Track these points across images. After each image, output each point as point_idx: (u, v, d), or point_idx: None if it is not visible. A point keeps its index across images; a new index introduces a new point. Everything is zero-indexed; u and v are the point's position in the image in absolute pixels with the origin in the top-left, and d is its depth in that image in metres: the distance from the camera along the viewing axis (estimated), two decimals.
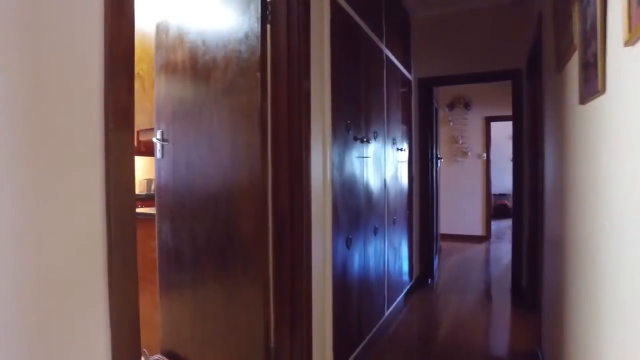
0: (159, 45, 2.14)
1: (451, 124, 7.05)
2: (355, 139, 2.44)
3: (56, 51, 0.83)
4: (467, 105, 6.97)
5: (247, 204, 1.82)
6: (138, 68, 2.55)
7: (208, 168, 1.94)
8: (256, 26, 1.75)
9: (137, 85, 2.58)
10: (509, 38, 3.69)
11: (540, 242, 2.58)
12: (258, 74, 1.74)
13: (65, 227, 0.84)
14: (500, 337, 3.05)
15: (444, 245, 6.18)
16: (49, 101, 0.82)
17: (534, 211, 3.21)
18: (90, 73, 0.88)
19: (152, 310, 2.25)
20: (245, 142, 1.79)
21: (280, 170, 1.83)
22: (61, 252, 0.84)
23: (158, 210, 2.17)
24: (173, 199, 2.10)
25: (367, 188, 2.66)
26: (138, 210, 2.77)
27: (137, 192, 4.39)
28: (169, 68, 2.09)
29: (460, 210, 6.87)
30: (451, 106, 7.01)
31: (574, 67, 1.40)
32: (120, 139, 0.90)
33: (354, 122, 2.43)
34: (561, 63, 1.65)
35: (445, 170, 6.78)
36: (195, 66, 1.97)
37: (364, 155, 2.60)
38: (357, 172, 2.50)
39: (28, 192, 0.78)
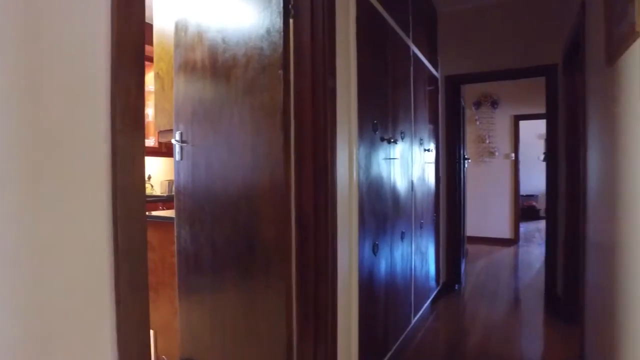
0: (177, 44, 2.08)
1: (478, 123, 6.83)
2: (382, 139, 2.32)
3: (57, 45, 0.74)
4: (494, 104, 6.74)
5: (268, 208, 1.73)
6: (157, 68, 2.49)
7: (228, 170, 1.86)
8: (278, 21, 1.66)
9: (157, 85, 2.53)
10: (543, 32, 3.49)
11: (582, 246, 2.39)
12: (280, 72, 1.65)
13: (66, 240, 0.75)
14: (535, 349, 2.86)
15: (471, 248, 5.97)
16: (48, 101, 0.73)
17: (573, 213, 3.01)
18: (95, 68, 0.79)
19: (172, 316, 2.20)
20: (267, 142, 1.70)
21: (303, 173, 1.73)
22: (62, 269, 0.75)
23: (177, 213, 2.11)
24: (192, 203, 2.04)
25: (394, 191, 2.53)
26: (158, 213, 2.72)
27: (158, 193, 4.38)
28: (188, 67, 2.02)
29: (487, 212, 6.65)
30: (477, 104, 6.79)
31: (634, 57, 1.25)
32: (129, 142, 0.81)
33: (381, 122, 2.31)
34: (615, 54, 1.49)
35: (472, 171, 6.56)
36: (215, 64, 1.89)
37: (391, 157, 2.47)
38: (384, 174, 2.37)
39: (25, 203, 0.70)
